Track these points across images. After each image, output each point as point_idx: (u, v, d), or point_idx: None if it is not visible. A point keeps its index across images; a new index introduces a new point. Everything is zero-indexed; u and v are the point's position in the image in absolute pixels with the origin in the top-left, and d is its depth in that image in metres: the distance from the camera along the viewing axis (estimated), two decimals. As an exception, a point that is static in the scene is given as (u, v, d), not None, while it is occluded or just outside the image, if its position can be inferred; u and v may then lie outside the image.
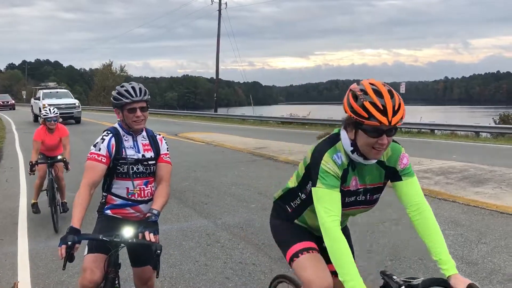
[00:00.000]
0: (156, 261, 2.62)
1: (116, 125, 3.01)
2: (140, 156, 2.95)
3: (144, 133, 3.04)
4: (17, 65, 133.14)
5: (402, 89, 24.81)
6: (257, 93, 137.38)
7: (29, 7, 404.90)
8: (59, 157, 6.53)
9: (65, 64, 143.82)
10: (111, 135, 2.91)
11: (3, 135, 19.76)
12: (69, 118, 26.36)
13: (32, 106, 29.96)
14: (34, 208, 6.74)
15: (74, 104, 27.65)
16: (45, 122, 6.62)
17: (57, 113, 6.61)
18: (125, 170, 2.90)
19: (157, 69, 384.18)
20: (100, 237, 2.66)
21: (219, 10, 38.84)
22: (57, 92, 29.75)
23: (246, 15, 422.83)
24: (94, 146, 2.87)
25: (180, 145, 15.39)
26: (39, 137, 6.56)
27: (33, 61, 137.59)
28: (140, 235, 2.63)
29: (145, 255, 2.87)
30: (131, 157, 2.91)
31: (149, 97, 2.95)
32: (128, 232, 2.75)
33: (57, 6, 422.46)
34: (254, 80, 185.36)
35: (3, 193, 8.35)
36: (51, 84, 36.24)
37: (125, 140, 2.94)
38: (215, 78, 43.22)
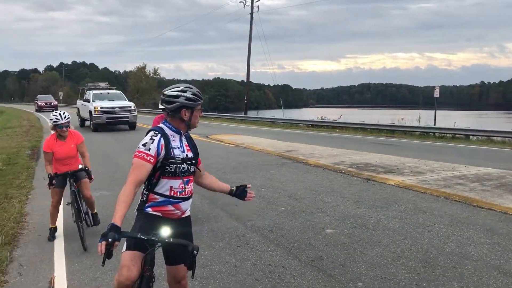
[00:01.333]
0: (192, 261, 2.67)
1: (162, 125, 3.09)
2: (185, 155, 3.06)
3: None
4: (55, 67, 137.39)
5: (437, 93, 24.29)
6: (287, 96, 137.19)
7: (66, 11, 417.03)
8: (80, 166, 5.84)
9: (100, 67, 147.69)
10: (159, 135, 2.98)
11: (41, 134, 20.37)
12: (124, 123, 23.01)
13: (78, 108, 26.52)
14: (51, 234, 5.85)
15: (130, 107, 23.27)
16: (55, 129, 5.76)
17: (68, 118, 5.75)
18: (173, 170, 2.98)
19: (188, 72, 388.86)
20: (139, 236, 2.73)
21: (251, 14, 39.00)
22: (108, 93, 25.43)
23: (276, 18, 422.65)
24: (144, 145, 2.92)
25: (210, 147, 15.53)
26: (48, 148, 5.70)
27: (70, 63, 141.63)
28: (247, 197, 3.47)
29: (180, 254, 2.91)
30: (178, 156, 3.01)
31: None
32: (165, 231, 2.80)
33: (93, 10, 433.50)
34: (284, 83, 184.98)
35: (41, 191, 8.59)
36: (102, 84, 29.68)
37: (173, 140, 3.04)
38: (245, 80, 43.41)
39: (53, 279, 4.67)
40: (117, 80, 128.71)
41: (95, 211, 6.20)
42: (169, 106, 3.01)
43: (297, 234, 6.01)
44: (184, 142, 3.12)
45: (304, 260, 5.10)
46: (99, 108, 22.27)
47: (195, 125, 3.13)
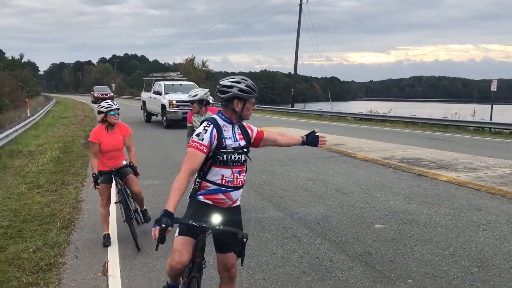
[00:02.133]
0: (241, 249, 2.71)
1: (215, 116, 3.16)
2: (237, 144, 3.11)
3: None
4: (107, 59, 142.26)
5: (494, 87, 23.19)
6: (335, 88, 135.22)
7: (119, 4, 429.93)
8: (124, 162, 5.50)
9: (150, 59, 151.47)
10: (212, 125, 3.06)
11: (94, 124, 21.12)
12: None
13: (144, 102, 23.83)
14: (105, 240, 5.44)
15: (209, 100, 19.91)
16: (104, 119, 5.41)
17: (119, 106, 5.47)
18: (224, 159, 3.04)
19: (235, 64, 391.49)
20: (190, 222, 2.80)
21: (300, 5, 38.64)
22: (180, 85, 22.10)
23: (324, 9, 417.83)
24: (197, 135, 3.01)
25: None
26: (95, 138, 5.35)
27: (122, 55, 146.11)
28: (319, 143, 3.64)
29: (230, 242, 2.97)
30: (230, 146, 3.06)
31: None
32: (216, 219, 2.86)
33: (144, 3, 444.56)
34: (332, 75, 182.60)
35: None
36: (173, 74, 25.12)
37: (225, 130, 3.09)
38: (292, 73, 43.16)
39: (107, 263, 4.85)
40: (167, 72, 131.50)
41: (145, 207, 6.00)
42: (222, 96, 3.08)
43: (345, 228, 5.93)
44: (237, 131, 3.17)
45: (352, 255, 5.03)
46: (174, 102, 19.56)
47: (247, 117, 3.15)
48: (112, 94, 48.77)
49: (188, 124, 6.61)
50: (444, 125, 21.69)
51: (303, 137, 3.65)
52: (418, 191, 7.95)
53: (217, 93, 3.10)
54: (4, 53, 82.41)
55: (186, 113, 19.61)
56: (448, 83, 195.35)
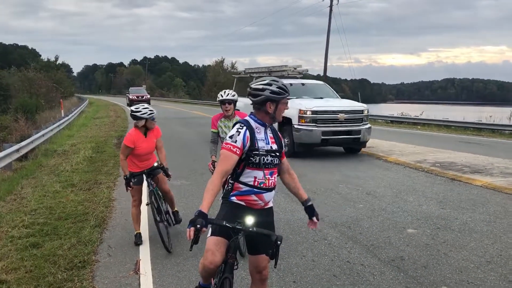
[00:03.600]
0: (275, 252, 2.71)
1: (248, 118, 3.18)
2: (269, 147, 3.12)
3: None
4: (138, 61, 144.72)
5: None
6: (364, 90, 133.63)
7: (149, 7, 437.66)
8: (155, 164, 5.57)
9: (180, 61, 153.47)
10: (245, 128, 3.07)
11: (126, 125, 21.51)
12: (349, 142, 12.36)
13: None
14: (137, 239, 5.50)
15: (361, 111, 12.45)
16: (143, 123, 5.35)
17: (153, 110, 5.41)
18: (257, 161, 3.05)
19: (263, 66, 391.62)
20: (224, 223, 2.82)
21: (330, 6, 38.35)
22: (303, 84, 13.80)
23: (354, 10, 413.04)
24: (230, 137, 3.04)
25: (286, 141, 15.52)
26: (132, 142, 5.30)
27: (152, 57, 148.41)
28: (309, 222, 3.40)
29: (262, 244, 2.97)
30: (262, 148, 3.07)
31: None
32: (249, 220, 2.87)
33: (175, 6, 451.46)
34: (361, 77, 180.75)
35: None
36: (289, 67, 14.81)
37: (258, 132, 3.11)
38: (321, 75, 42.84)
39: (139, 262, 4.92)
40: (196, 74, 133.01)
41: (176, 208, 5.97)
42: (254, 99, 3.09)
43: (376, 232, 5.84)
44: (269, 135, 3.18)
45: (384, 259, 4.95)
46: (309, 113, 11.73)
47: (279, 118, 3.16)
48: (149, 96, 44.55)
49: (212, 130, 5.69)
50: (478, 128, 21.11)
51: (307, 203, 3.36)
52: (451, 195, 7.76)
53: (249, 96, 3.12)
54: (40, 55, 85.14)
55: (330, 131, 11.65)
56: (482, 86, 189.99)
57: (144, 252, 5.25)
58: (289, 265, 4.80)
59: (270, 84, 3.06)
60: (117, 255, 5.16)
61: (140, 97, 41.46)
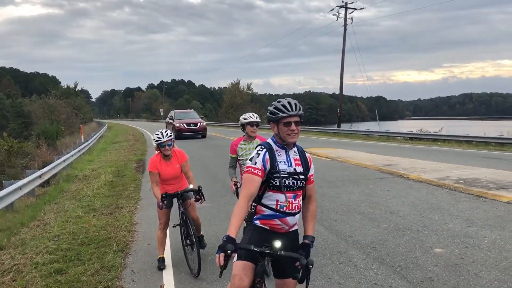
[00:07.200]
0: (306, 275, 2.65)
1: (269, 140, 3.16)
2: (292, 170, 3.05)
3: (295, 148, 3.15)
4: (155, 85, 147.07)
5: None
6: (381, 107, 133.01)
7: (165, 33, 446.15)
8: (190, 186, 5.53)
9: (197, 84, 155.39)
10: (265, 150, 3.05)
11: (145, 148, 21.71)
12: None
13: None
14: (160, 263, 5.48)
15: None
16: (159, 148, 5.46)
17: (170, 135, 5.41)
18: (278, 184, 3.00)
19: (277, 86, 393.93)
20: (252, 248, 2.77)
21: (345, 26, 38.56)
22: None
23: (366, 29, 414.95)
24: (250, 160, 3.02)
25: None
26: (155, 167, 5.43)
27: (169, 81, 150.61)
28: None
29: (288, 267, 2.91)
30: (283, 170, 3.02)
31: (303, 112, 3.06)
32: (277, 244, 2.82)
33: (189, 30, 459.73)
34: (376, 94, 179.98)
35: (147, 202, 9.11)
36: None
37: (278, 155, 3.06)
38: (336, 93, 42.88)
39: (163, 287, 4.88)
40: (212, 96, 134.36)
41: (202, 233, 6.02)
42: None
43: (403, 252, 5.71)
44: (294, 156, 3.11)
45: (412, 281, 4.81)
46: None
47: (287, 139, 3.02)
48: (204, 122, 29.72)
49: (230, 155, 5.60)
50: (500, 143, 20.71)
51: (306, 241, 3.05)
52: (478, 213, 7.57)
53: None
54: (60, 82, 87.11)
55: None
56: (501, 100, 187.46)
57: (168, 277, 5.21)
58: (315, 288, 4.70)
59: (271, 105, 3.08)
60: (140, 280, 5.13)
61: (192, 124, 28.09)
